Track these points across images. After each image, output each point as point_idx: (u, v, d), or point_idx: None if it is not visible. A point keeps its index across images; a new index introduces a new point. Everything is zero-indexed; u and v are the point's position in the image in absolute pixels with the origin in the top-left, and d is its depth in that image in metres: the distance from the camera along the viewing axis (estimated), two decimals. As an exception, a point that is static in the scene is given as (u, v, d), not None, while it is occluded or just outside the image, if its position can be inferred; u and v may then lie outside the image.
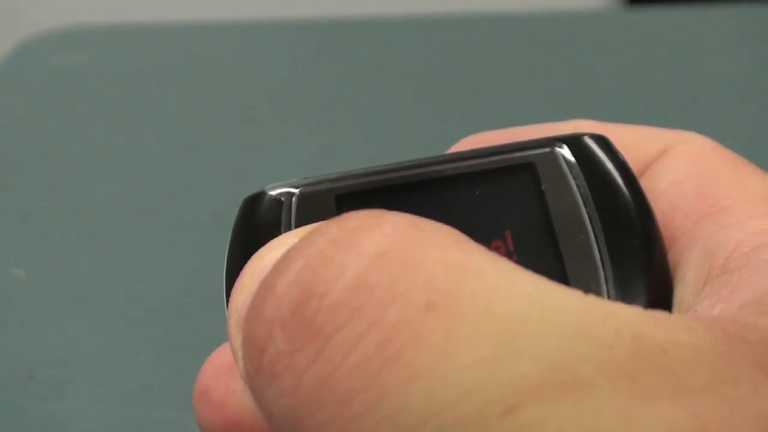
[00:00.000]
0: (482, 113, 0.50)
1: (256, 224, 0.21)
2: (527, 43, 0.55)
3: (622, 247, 0.21)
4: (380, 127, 0.49)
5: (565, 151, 0.22)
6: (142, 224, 0.42)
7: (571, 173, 0.22)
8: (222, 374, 0.19)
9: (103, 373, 0.34)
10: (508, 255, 0.21)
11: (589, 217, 0.21)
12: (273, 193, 0.21)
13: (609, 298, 0.20)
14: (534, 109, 0.51)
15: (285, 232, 0.21)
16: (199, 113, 0.50)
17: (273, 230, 0.21)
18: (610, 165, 0.22)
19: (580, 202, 0.21)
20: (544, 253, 0.21)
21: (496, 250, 0.21)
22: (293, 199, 0.21)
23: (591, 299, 0.16)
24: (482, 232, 0.21)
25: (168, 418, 0.35)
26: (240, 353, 0.17)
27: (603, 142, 0.22)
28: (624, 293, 0.20)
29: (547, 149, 0.22)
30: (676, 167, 0.23)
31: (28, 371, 0.34)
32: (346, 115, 0.50)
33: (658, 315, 0.16)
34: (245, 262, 0.19)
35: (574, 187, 0.21)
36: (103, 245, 0.40)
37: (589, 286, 0.20)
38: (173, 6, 0.85)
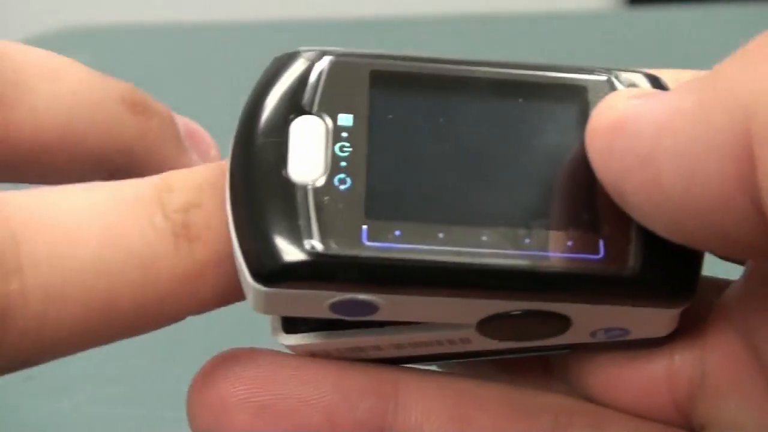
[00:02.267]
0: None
1: (282, 81, 0.20)
2: (527, 43, 0.55)
3: None
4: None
5: (620, 84, 0.21)
6: None
7: None
8: None
9: (103, 373, 0.34)
10: (536, 167, 0.20)
11: None
12: (306, 54, 0.20)
13: (637, 235, 0.19)
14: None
15: (310, 95, 0.20)
16: (199, 113, 0.50)
17: (298, 91, 0.20)
18: None
19: None
20: (578, 177, 0.20)
21: (525, 160, 0.20)
22: (326, 64, 0.20)
23: None
24: (516, 142, 0.20)
25: (168, 418, 0.35)
26: None
27: (657, 83, 0.21)
28: (654, 237, 0.19)
29: (604, 77, 0.21)
30: None
31: (28, 371, 0.34)
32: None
33: None
34: (263, 117, 0.19)
35: None
36: None
37: (619, 219, 0.19)
38: (174, 6, 0.85)
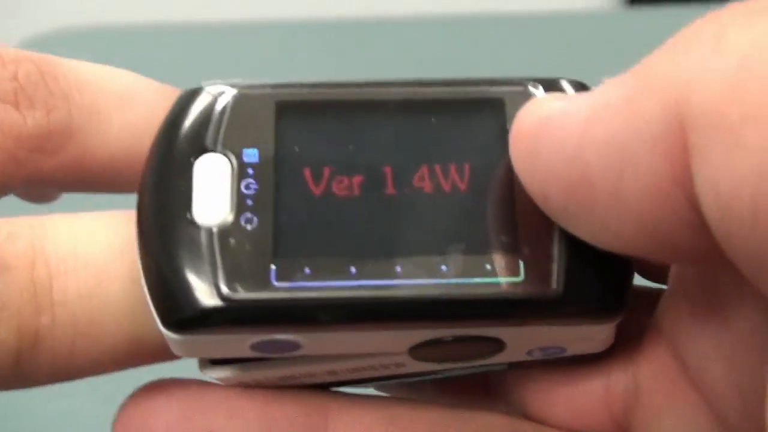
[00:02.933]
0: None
1: (184, 120, 0.19)
2: (527, 43, 0.55)
3: None
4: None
5: (539, 93, 0.19)
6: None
7: None
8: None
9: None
10: (451, 189, 0.19)
11: None
12: (210, 89, 0.20)
13: (560, 252, 0.18)
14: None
15: (213, 133, 0.19)
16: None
17: (201, 129, 0.19)
18: None
19: None
20: (495, 196, 0.19)
21: (439, 183, 0.19)
22: (229, 99, 0.19)
23: None
24: (427, 163, 0.19)
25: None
26: None
27: (582, 87, 0.20)
28: (579, 250, 0.18)
29: (521, 87, 0.20)
30: None
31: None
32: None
33: None
34: (165, 159, 0.19)
35: None
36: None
37: (539, 237, 0.18)
38: (174, 6, 0.85)
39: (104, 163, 0.21)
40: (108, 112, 0.21)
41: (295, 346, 0.19)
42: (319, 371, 0.20)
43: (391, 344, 0.19)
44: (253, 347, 0.19)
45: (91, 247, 0.19)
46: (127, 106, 0.21)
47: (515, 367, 0.21)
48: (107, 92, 0.21)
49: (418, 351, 0.19)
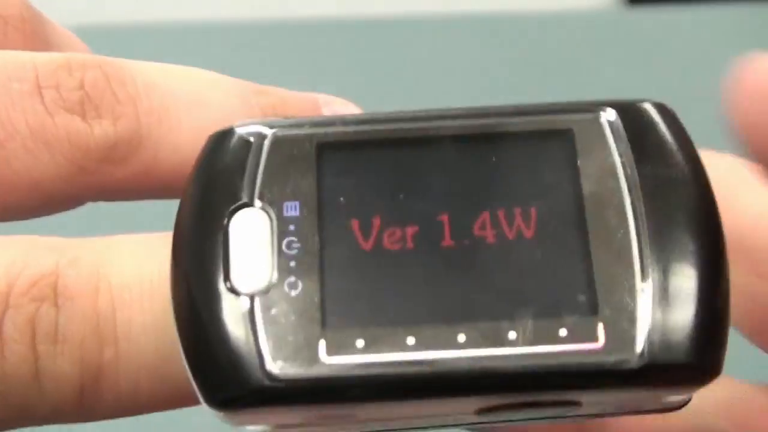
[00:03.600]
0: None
1: (217, 168, 0.17)
2: (527, 43, 0.55)
3: (673, 253, 0.16)
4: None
5: (614, 120, 0.17)
6: (141, 224, 0.42)
7: (617, 147, 0.17)
8: None
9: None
10: (518, 243, 0.17)
11: (633, 206, 0.17)
12: (242, 131, 0.18)
13: (644, 314, 0.16)
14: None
15: (249, 184, 0.17)
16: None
17: (235, 178, 0.17)
18: (670, 143, 0.17)
19: (624, 185, 0.17)
20: (568, 248, 0.16)
21: (504, 236, 0.17)
22: (265, 142, 0.17)
23: None
24: (488, 214, 0.17)
25: (168, 418, 0.35)
26: None
27: (666, 112, 0.18)
28: (665, 311, 0.16)
29: (591, 115, 0.17)
30: None
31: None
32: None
33: None
34: (198, 215, 0.17)
35: (618, 165, 0.17)
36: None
37: (621, 297, 0.16)
38: (173, 6, 0.85)
39: (176, 169, 0.19)
40: (178, 116, 0.20)
41: (349, 417, 0.17)
42: (371, 428, 0.18)
43: (456, 409, 0.17)
44: (305, 418, 0.17)
45: (157, 272, 0.18)
46: (199, 109, 0.20)
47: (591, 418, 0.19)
48: (177, 95, 0.20)
49: (486, 413, 0.17)
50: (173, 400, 0.18)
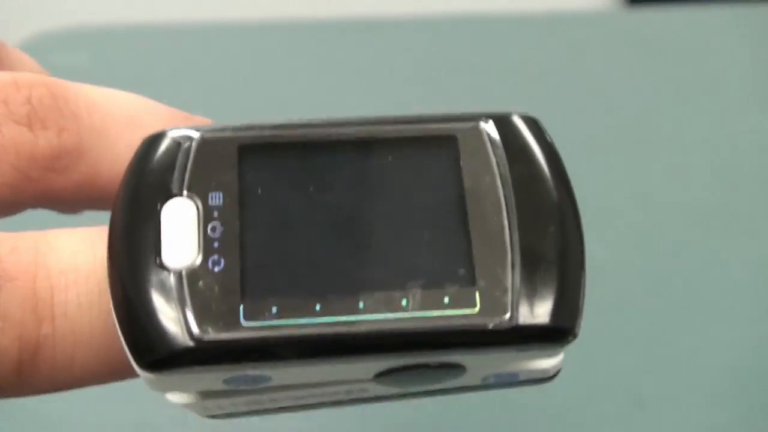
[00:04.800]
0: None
1: (150, 165, 0.20)
2: (527, 43, 0.55)
3: (537, 236, 0.20)
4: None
5: (491, 128, 0.21)
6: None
7: (494, 152, 0.20)
8: None
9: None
10: (410, 226, 0.20)
11: (506, 199, 0.20)
12: (174, 134, 0.20)
13: (513, 284, 0.19)
14: (534, 109, 0.51)
15: (179, 178, 0.20)
16: (199, 113, 0.50)
17: (166, 173, 0.20)
18: (536, 147, 0.21)
19: (499, 182, 0.20)
20: (452, 230, 0.20)
21: (398, 220, 0.20)
22: (192, 143, 0.20)
23: None
24: (386, 201, 0.20)
25: (168, 418, 0.35)
26: None
27: (533, 122, 0.21)
28: (531, 282, 0.19)
29: (472, 123, 0.21)
30: None
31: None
32: (346, 115, 0.50)
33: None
34: (133, 204, 0.20)
35: (495, 166, 0.20)
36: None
37: (494, 270, 0.19)
38: (173, 6, 0.85)
39: (112, 182, 0.21)
40: (116, 133, 0.22)
41: (265, 379, 0.19)
42: (283, 397, 0.21)
43: (357, 373, 0.20)
44: (225, 382, 0.19)
45: (92, 260, 0.20)
46: (134, 128, 0.22)
47: (467, 392, 0.21)
48: (115, 115, 0.22)
49: (383, 378, 0.20)
50: (104, 372, 0.20)
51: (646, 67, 0.53)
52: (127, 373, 0.20)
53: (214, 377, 0.19)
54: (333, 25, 0.58)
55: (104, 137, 0.22)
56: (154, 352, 0.19)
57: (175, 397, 0.20)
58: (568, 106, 0.51)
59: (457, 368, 0.20)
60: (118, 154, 0.22)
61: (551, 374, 0.21)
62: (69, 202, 0.22)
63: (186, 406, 0.21)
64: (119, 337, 0.19)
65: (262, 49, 0.55)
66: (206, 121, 0.23)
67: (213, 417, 0.22)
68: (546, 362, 0.21)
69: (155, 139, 0.20)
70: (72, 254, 0.20)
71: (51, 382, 0.20)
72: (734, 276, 0.42)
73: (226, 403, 0.21)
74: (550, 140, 0.21)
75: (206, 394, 0.20)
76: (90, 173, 0.21)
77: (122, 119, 0.22)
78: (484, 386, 0.21)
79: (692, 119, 0.50)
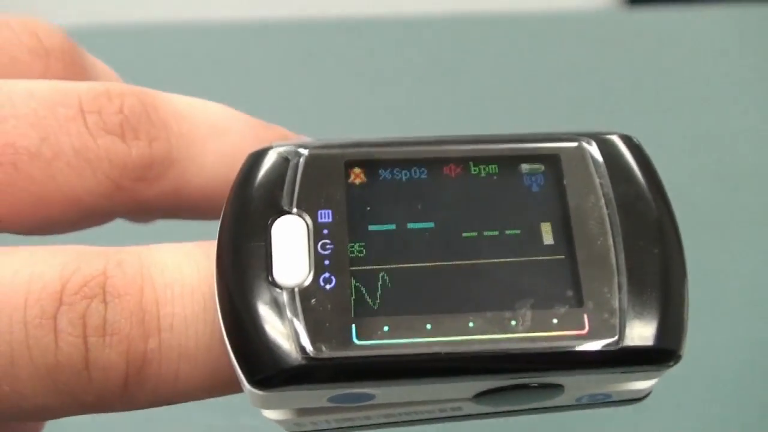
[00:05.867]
0: (482, 113, 0.50)
1: (259, 181, 0.20)
2: (527, 43, 0.55)
3: (642, 257, 0.20)
4: (380, 127, 0.49)
5: (593, 148, 0.21)
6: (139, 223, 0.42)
7: (597, 171, 0.21)
8: None
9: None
10: (517, 246, 0.20)
11: (610, 219, 0.20)
12: (280, 150, 0.20)
13: (621, 306, 0.19)
14: (534, 109, 0.51)
15: (288, 195, 0.20)
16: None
17: (275, 189, 0.20)
18: (637, 167, 0.21)
19: (602, 202, 0.20)
20: (557, 249, 0.20)
21: (505, 240, 0.20)
22: (300, 159, 0.20)
23: None
24: (492, 221, 0.20)
25: (168, 418, 0.35)
26: None
27: (632, 143, 0.21)
28: (637, 304, 0.19)
29: (575, 144, 0.21)
30: None
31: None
32: (346, 115, 0.50)
33: None
34: (243, 220, 0.20)
35: (598, 186, 0.20)
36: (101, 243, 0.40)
37: (602, 292, 0.19)
38: (173, 6, 0.85)
39: (201, 189, 0.22)
40: (203, 141, 0.22)
41: (369, 397, 0.19)
42: (376, 415, 0.21)
43: (460, 392, 0.20)
44: (331, 399, 0.19)
45: (196, 274, 0.20)
46: (220, 136, 0.22)
47: (560, 411, 0.22)
48: (201, 123, 0.22)
49: (483, 397, 0.20)
50: (207, 387, 0.20)
51: (646, 67, 0.53)
52: (230, 389, 0.20)
53: (320, 395, 0.19)
54: (333, 25, 0.58)
55: (192, 146, 0.22)
56: (266, 370, 0.19)
57: (270, 413, 0.20)
58: (569, 106, 0.51)
59: (557, 388, 0.20)
60: (205, 163, 0.22)
61: (644, 395, 0.21)
62: (157, 211, 0.22)
63: (279, 422, 0.21)
64: (225, 353, 0.19)
65: (262, 49, 0.55)
66: (286, 132, 0.23)
67: None
68: (643, 383, 0.21)
69: (261, 154, 0.20)
70: (176, 268, 0.20)
71: (155, 397, 0.20)
72: (734, 276, 0.42)
73: (320, 420, 0.21)
74: (649, 160, 0.21)
75: (304, 411, 0.20)
76: (178, 182, 0.22)
77: (207, 128, 0.22)
78: (576, 406, 0.21)
79: (692, 119, 0.50)
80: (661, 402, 0.37)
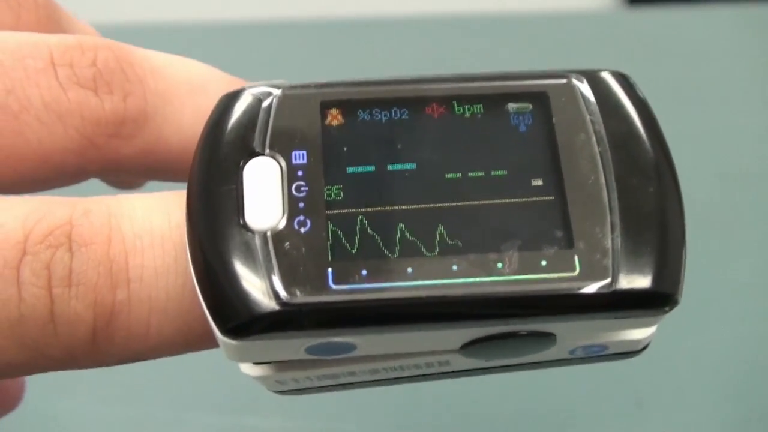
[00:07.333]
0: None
1: (230, 123, 0.19)
2: (527, 43, 0.55)
3: (636, 196, 0.19)
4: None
5: (584, 86, 0.20)
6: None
7: (588, 109, 0.19)
8: None
9: (103, 372, 0.34)
10: (504, 187, 0.19)
11: (602, 157, 0.19)
12: (254, 91, 0.19)
13: (614, 247, 0.18)
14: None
15: (260, 136, 0.19)
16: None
17: (247, 131, 0.19)
18: (630, 104, 0.20)
19: (594, 140, 0.19)
20: (545, 189, 0.19)
21: (491, 181, 0.19)
22: (274, 100, 0.19)
23: None
24: (477, 161, 0.19)
25: (168, 418, 0.35)
26: None
27: (625, 80, 0.20)
28: (632, 245, 0.18)
29: (564, 81, 0.20)
30: None
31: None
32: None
33: None
34: (213, 164, 0.19)
35: (589, 124, 0.19)
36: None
37: (593, 232, 0.18)
38: (173, 6, 0.85)
39: (178, 149, 0.21)
40: (181, 99, 0.21)
41: (350, 347, 0.18)
42: (361, 370, 0.20)
43: (446, 342, 0.19)
44: (309, 350, 0.18)
45: (166, 223, 0.19)
46: (198, 94, 0.21)
47: (553, 366, 0.20)
48: (180, 80, 0.21)
49: (470, 348, 0.19)
50: (180, 341, 0.19)
51: (646, 67, 0.53)
52: (204, 343, 0.19)
53: (297, 345, 0.18)
54: (333, 25, 0.58)
55: (169, 103, 0.21)
56: (238, 317, 0.18)
57: (249, 369, 0.20)
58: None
59: (548, 337, 0.19)
60: (183, 120, 0.21)
61: (641, 347, 0.20)
62: (132, 171, 0.21)
63: (258, 378, 0.20)
64: (198, 303, 0.18)
65: (261, 49, 0.55)
66: None
67: (283, 393, 0.21)
68: (639, 332, 0.20)
69: (233, 96, 0.19)
70: (146, 218, 0.19)
71: (126, 351, 0.19)
72: (734, 276, 0.42)
73: (302, 376, 0.20)
74: (643, 97, 0.20)
75: (283, 366, 0.19)
76: (155, 140, 0.21)
77: (186, 85, 0.21)
78: (570, 360, 0.20)
79: (692, 119, 0.50)
80: (661, 402, 0.37)
